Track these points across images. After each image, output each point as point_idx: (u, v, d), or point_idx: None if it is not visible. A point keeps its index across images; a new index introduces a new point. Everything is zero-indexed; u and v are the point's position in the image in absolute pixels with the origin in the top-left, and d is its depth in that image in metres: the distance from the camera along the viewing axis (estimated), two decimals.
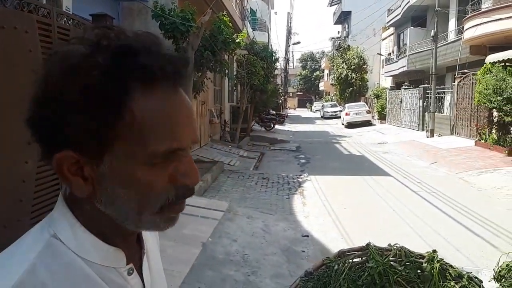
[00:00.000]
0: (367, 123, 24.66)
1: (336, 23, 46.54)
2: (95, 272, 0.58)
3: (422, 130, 18.03)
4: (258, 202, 6.71)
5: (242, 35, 9.94)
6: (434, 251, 1.20)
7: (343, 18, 42.03)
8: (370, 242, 1.16)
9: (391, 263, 1.14)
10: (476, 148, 11.75)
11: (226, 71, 9.98)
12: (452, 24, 18.90)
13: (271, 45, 23.93)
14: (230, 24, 9.00)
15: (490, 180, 8.08)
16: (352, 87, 32.12)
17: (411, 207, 6.34)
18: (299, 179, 8.96)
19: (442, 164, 10.29)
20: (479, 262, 4.22)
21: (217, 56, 8.60)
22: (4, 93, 3.18)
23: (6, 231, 3.28)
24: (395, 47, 27.30)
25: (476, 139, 12.38)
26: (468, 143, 12.76)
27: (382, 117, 25.31)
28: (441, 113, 16.56)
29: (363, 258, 1.15)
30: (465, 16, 15.31)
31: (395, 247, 1.18)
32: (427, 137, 15.97)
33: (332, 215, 6.02)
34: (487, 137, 11.83)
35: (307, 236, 5.11)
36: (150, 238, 0.73)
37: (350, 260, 1.12)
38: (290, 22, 39.03)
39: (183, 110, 0.58)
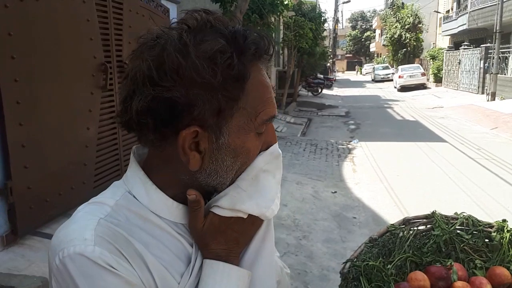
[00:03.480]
0: (422, 86, 23.46)
1: None
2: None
3: (482, 93, 16.92)
4: (307, 169, 6.71)
5: None
6: (504, 220, 1.15)
7: None
8: (435, 210, 1.13)
9: (458, 231, 1.11)
10: None
11: (273, 34, 9.77)
12: None
13: (319, 5, 22.97)
14: None
15: None
16: (406, 48, 30.60)
17: (468, 175, 6.07)
18: (348, 145, 8.81)
19: (503, 129, 9.66)
20: None
21: (264, 19, 8.43)
22: (66, 62, 3.33)
23: (74, 192, 3.54)
24: (455, 4, 25.31)
25: None
26: None
27: (438, 80, 23.98)
28: (505, 74, 15.37)
29: (428, 226, 1.12)
30: None
31: (461, 215, 1.13)
32: (488, 100, 14.96)
33: (384, 182, 5.90)
34: None
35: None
36: None
37: (415, 228, 1.10)
38: None
39: (269, 82, 0.65)
